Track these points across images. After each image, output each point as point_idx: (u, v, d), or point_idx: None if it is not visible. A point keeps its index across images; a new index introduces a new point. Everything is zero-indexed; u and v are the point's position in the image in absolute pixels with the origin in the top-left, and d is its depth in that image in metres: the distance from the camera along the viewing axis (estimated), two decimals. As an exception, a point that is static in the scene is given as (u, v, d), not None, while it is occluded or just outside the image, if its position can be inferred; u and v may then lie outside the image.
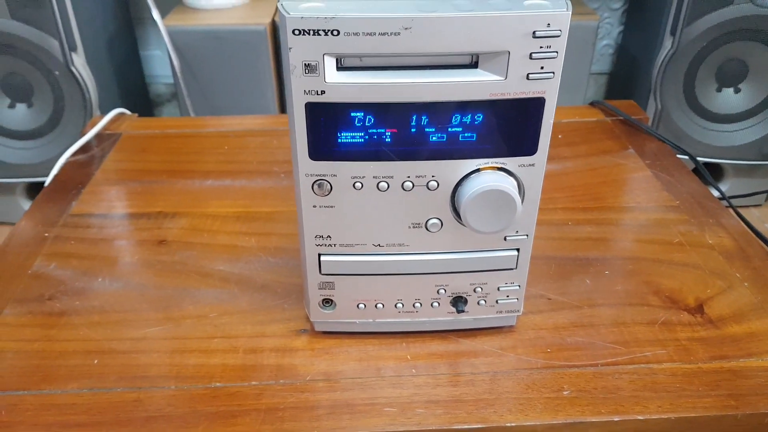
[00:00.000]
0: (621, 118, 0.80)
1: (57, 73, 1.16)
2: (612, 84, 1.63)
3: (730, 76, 1.23)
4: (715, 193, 0.67)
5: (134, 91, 1.52)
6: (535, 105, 0.36)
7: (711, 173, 1.37)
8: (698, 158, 1.27)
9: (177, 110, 1.66)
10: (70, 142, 0.74)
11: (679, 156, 0.73)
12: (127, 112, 0.82)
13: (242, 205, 0.62)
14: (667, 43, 1.20)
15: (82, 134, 0.75)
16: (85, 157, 0.72)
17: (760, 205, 1.36)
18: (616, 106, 0.82)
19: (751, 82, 1.23)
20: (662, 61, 1.21)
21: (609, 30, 1.59)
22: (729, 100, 1.25)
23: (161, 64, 1.60)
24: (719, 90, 1.25)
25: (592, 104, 0.84)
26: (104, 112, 0.81)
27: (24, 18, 1.10)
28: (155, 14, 1.25)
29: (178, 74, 1.27)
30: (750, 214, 1.32)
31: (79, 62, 1.17)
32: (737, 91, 1.24)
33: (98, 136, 0.76)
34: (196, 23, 1.26)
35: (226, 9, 1.32)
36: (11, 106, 1.22)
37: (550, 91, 0.36)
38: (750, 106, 1.24)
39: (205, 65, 1.28)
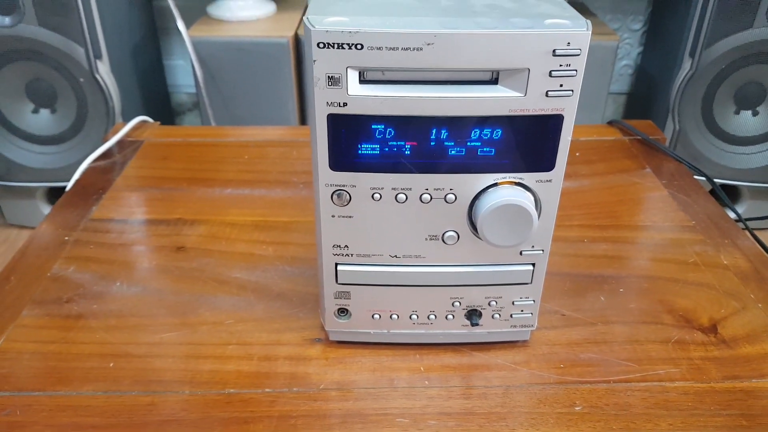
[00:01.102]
0: (639, 137, 0.80)
1: (82, 79, 1.18)
2: (631, 104, 1.63)
3: (749, 99, 1.23)
4: (732, 215, 0.67)
5: (157, 99, 1.54)
6: (554, 122, 0.37)
7: (728, 195, 1.36)
8: (715, 180, 1.27)
9: (198, 119, 1.68)
10: (92, 148, 0.75)
11: (696, 177, 0.72)
12: (150, 119, 0.84)
13: (260, 214, 0.63)
14: (686, 64, 1.20)
15: (105, 140, 0.76)
16: (107, 163, 0.73)
17: (777, 229, 1.35)
18: (633, 125, 0.82)
19: (769, 105, 1.23)
20: (681, 83, 1.21)
21: (629, 50, 1.59)
22: (747, 122, 1.25)
23: (184, 73, 1.63)
24: (737, 112, 1.24)
25: (611, 123, 0.84)
26: (127, 120, 0.83)
27: (51, 25, 1.13)
28: (180, 24, 1.27)
29: (201, 84, 1.29)
30: (766, 237, 1.31)
31: (104, 69, 1.19)
32: (755, 113, 1.24)
33: (120, 142, 0.77)
34: (220, 34, 1.28)
35: (251, 21, 1.34)
36: (35, 111, 1.24)
37: (568, 109, 0.36)
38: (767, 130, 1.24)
39: (228, 76, 1.30)
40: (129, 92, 1.30)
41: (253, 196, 0.66)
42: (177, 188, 0.68)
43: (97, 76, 1.17)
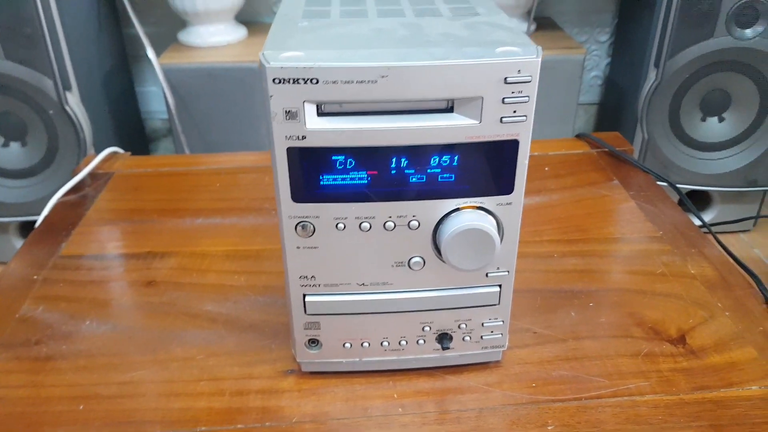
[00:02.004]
0: (606, 149, 0.81)
1: (51, 112, 1.17)
2: (601, 114, 1.65)
3: (714, 106, 1.25)
4: (698, 222, 0.68)
5: (130, 126, 1.53)
6: (510, 147, 0.37)
7: (699, 200, 1.38)
8: (686, 186, 1.29)
9: (172, 145, 1.67)
10: (64, 181, 0.75)
11: (659, 183, 0.74)
12: (120, 150, 0.83)
13: (232, 243, 0.63)
14: (652, 74, 1.23)
15: (74, 174, 0.76)
16: (77, 197, 0.72)
17: (748, 231, 1.37)
18: (601, 137, 0.83)
19: (734, 111, 1.25)
20: (647, 92, 1.23)
21: (597, 62, 1.62)
22: (714, 129, 1.27)
23: (157, 99, 1.62)
24: (704, 119, 1.27)
25: (578, 137, 0.86)
26: (99, 148, 0.82)
27: (18, 58, 1.12)
28: (150, 53, 1.27)
29: (173, 111, 1.29)
30: (739, 240, 1.33)
31: (74, 101, 1.19)
32: (721, 120, 1.26)
33: (91, 175, 0.77)
34: (191, 61, 1.28)
35: (221, 47, 1.35)
36: (5, 144, 1.23)
37: (523, 133, 0.37)
38: (734, 135, 1.26)
39: (200, 102, 1.30)
40: (100, 122, 1.29)
41: (225, 225, 0.66)
42: (148, 220, 0.67)
43: (67, 108, 1.17)
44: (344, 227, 0.40)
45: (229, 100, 1.29)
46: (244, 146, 1.32)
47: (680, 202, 0.72)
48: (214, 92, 1.28)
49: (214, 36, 1.34)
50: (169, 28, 1.47)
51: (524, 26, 1.37)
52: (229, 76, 1.27)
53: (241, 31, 1.39)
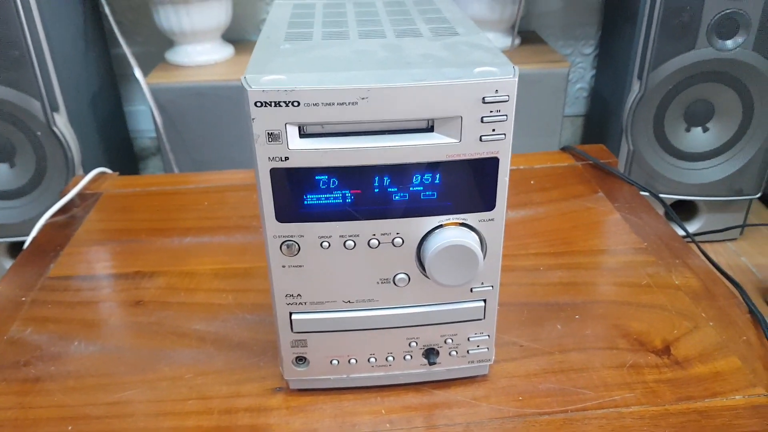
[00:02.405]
0: (591, 162, 0.82)
1: (39, 133, 1.17)
2: (587, 126, 1.67)
3: (698, 117, 1.27)
4: (681, 232, 0.69)
5: (118, 146, 1.54)
6: (490, 164, 0.38)
7: (686, 210, 1.39)
8: (672, 196, 1.30)
9: (161, 163, 1.67)
10: (53, 201, 0.75)
11: (643, 194, 0.75)
12: (108, 171, 0.83)
13: (221, 262, 0.63)
14: (635, 86, 1.24)
15: (62, 195, 0.76)
16: (65, 218, 0.73)
17: (735, 239, 1.38)
18: (585, 150, 0.84)
19: (717, 121, 1.27)
20: (632, 104, 1.25)
21: (582, 74, 1.64)
22: (698, 139, 1.29)
23: (146, 118, 1.62)
24: (688, 130, 1.28)
25: (564, 149, 0.87)
26: (88, 168, 0.82)
27: (6, 80, 1.12)
28: (137, 73, 1.28)
29: (161, 130, 1.29)
30: (726, 249, 1.34)
31: (61, 122, 1.19)
32: (705, 130, 1.28)
33: (80, 195, 0.77)
34: (178, 80, 1.29)
35: (209, 65, 1.35)
36: (-6, 166, 1.23)
37: (503, 151, 0.37)
38: (718, 145, 1.28)
39: (188, 121, 1.30)
40: (89, 142, 1.30)
41: (213, 243, 0.67)
42: (136, 240, 0.68)
43: (55, 129, 1.17)
44: (329, 246, 0.40)
45: (217, 118, 1.30)
46: (232, 163, 1.32)
47: (666, 214, 0.73)
48: (202, 111, 1.29)
49: (201, 55, 1.35)
50: (157, 47, 1.48)
51: (508, 41, 1.39)
52: (217, 94, 1.28)
53: (228, 50, 1.40)
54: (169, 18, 1.29)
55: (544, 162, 0.83)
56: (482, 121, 0.36)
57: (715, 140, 1.28)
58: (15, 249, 1.36)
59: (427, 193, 0.39)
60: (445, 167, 0.38)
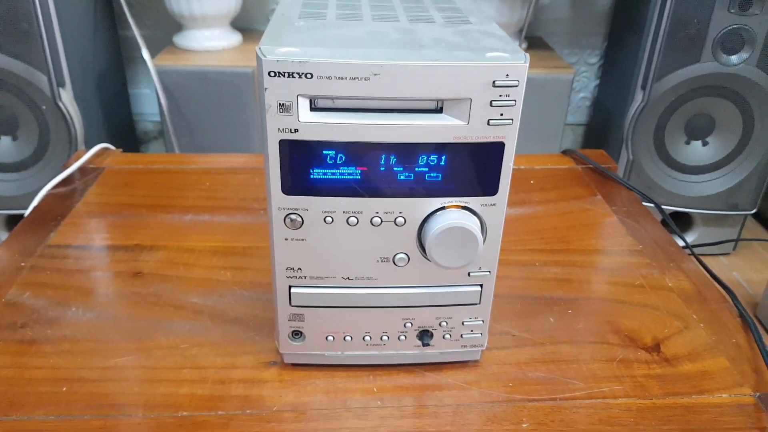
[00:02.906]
0: (591, 166, 0.83)
1: (44, 107, 1.18)
2: (588, 134, 1.68)
3: (699, 130, 1.28)
4: (680, 242, 0.70)
5: (121, 127, 1.54)
6: (496, 149, 0.39)
7: (681, 222, 1.40)
8: (668, 207, 1.31)
9: (163, 148, 1.68)
10: (54, 176, 0.75)
11: (645, 204, 0.75)
12: (112, 147, 0.84)
13: (220, 240, 0.64)
14: (638, 97, 1.25)
15: (65, 167, 0.76)
16: (67, 190, 0.73)
17: (728, 254, 1.40)
18: (586, 155, 0.85)
19: (717, 135, 1.28)
20: (634, 114, 1.26)
21: (586, 83, 1.65)
22: (697, 152, 1.30)
23: (150, 102, 1.63)
24: (688, 142, 1.30)
25: (565, 152, 0.88)
26: (90, 146, 0.83)
27: (14, 53, 1.13)
28: (145, 54, 1.28)
29: (165, 113, 1.30)
30: (718, 263, 1.35)
31: (67, 98, 1.19)
32: (705, 144, 1.29)
33: (81, 169, 0.77)
34: (185, 64, 1.29)
35: (216, 51, 1.36)
36: (-4, 138, 1.23)
37: (509, 136, 0.38)
38: (717, 159, 1.29)
39: (193, 105, 1.31)
40: (92, 120, 1.30)
41: (213, 222, 0.67)
42: (136, 215, 0.68)
43: (60, 104, 1.17)
44: (332, 221, 0.41)
45: (222, 104, 1.31)
46: (234, 150, 1.33)
47: (663, 222, 0.74)
48: (206, 96, 1.30)
49: (209, 40, 1.36)
50: (165, 31, 1.49)
51: (515, 45, 1.40)
52: (223, 80, 1.28)
53: (236, 37, 1.41)
54: (179, 1, 1.29)
55: (545, 163, 0.84)
56: (491, 105, 0.37)
57: (714, 154, 1.29)
58: (13, 222, 1.36)
59: (432, 174, 0.40)
60: (452, 149, 0.39)
